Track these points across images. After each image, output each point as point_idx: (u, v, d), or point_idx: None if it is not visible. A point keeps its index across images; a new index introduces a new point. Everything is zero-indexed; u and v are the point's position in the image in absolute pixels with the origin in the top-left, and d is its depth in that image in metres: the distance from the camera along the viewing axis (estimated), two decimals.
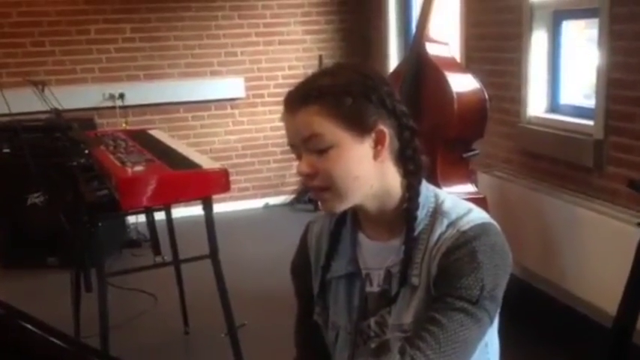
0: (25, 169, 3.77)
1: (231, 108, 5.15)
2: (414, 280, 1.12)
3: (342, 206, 1.14)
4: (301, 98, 1.10)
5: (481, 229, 1.10)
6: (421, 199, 1.15)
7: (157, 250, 3.11)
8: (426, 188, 1.17)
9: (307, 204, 5.16)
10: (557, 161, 3.21)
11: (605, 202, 2.86)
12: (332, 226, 1.25)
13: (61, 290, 3.16)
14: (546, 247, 3.09)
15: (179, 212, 3.37)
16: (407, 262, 1.13)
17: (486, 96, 2.91)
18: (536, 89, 3.38)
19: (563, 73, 3.37)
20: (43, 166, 3.47)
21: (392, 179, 1.15)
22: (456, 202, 1.16)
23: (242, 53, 5.09)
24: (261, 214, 5.22)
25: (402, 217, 1.15)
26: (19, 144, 3.64)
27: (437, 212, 1.14)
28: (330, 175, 1.10)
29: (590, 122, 2.98)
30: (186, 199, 2.75)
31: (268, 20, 5.10)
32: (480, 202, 2.73)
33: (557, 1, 3.27)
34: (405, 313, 1.13)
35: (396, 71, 3.23)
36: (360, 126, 1.10)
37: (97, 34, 4.76)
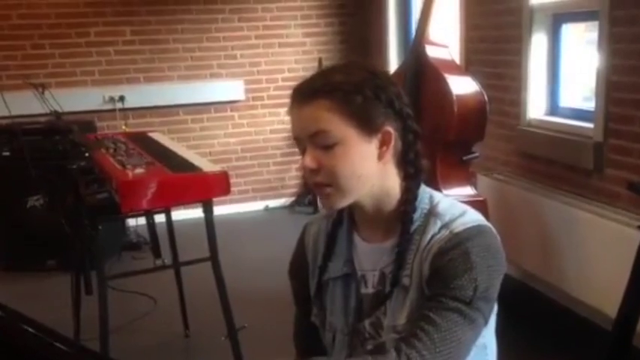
0: (25, 171, 3.77)
1: (231, 110, 5.16)
2: (405, 281, 1.13)
3: (343, 203, 1.14)
4: (311, 92, 1.10)
5: (474, 230, 1.10)
6: (417, 202, 1.15)
7: (157, 253, 3.11)
8: (422, 190, 1.17)
9: (307, 206, 5.16)
10: (557, 164, 3.22)
11: (605, 205, 2.86)
12: (329, 227, 1.25)
13: (60, 293, 3.16)
14: (546, 249, 3.09)
15: (179, 215, 3.37)
16: (400, 263, 1.13)
17: (486, 98, 2.91)
18: (536, 92, 3.38)
19: (563, 76, 3.37)
20: (43, 168, 3.48)
21: (392, 181, 1.16)
22: (450, 204, 1.16)
23: (242, 56, 5.10)
24: (261, 217, 5.22)
25: (397, 218, 1.16)
26: (19, 147, 3.64)
27: (431, 214, 1.14)
28: (334, 171, 1.10)
29: (590, 125, 2.98)
30: (186, 201, 2.76)
31: (268, 23, 5.11)
32: (479, 204, 2.74)
33: (557, 4, 3.28)
34: (398, 314, 1.14)
35: (395, 73, 3.23)
36: (368, 125, 1.10)
37: (96, 37, 4.76)
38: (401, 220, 1.15)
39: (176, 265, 3.08)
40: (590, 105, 3.08)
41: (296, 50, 5.20)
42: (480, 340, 1.13)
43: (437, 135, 2.81)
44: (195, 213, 2.72)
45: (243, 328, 2.78)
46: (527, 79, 3.37)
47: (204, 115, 5.10)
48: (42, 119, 3.73)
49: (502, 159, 3.63)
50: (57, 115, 3.00)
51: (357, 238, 1.22)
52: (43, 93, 2.89)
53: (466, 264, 1.06)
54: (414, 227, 1.14)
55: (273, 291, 3.37)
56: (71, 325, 2.87)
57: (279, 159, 5.30)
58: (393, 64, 4.86)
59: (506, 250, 1.16)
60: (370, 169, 1.12)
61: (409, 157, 1.15)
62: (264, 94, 5.18)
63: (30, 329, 0.69)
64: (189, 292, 3.21)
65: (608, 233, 2.70)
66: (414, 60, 2.99)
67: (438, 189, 1.21)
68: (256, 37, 5.10)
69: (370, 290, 1.19)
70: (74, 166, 2.70)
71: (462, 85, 2.90)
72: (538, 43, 3.34)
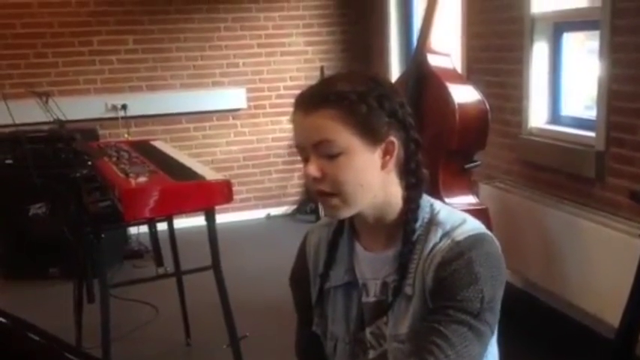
0: (28, 179, 3.77)
1: (233, 119, 5.17)
2: (408, 290, 1.13)
3: (346, 213, 1.14)
4: (317, 100, 1.10)
5: (476, 239, 1.10)
6: (419, 211, 1.16)
7: (159, 262, 3.11)
8: (423, 199, 1.18)
9: (309, 214, 5.16)
10: (559, 172, 3.22)
11: (607, 214, 2.86)
12: (330, 236, 1.25)
13: (62, 301, 3.16)
14: (548, 258, 3.09)
15: (181, 223, 3.37)
16: (402, 273, 1.13)
17: (488, 107, 2.92)
18: (538, 101, 3.39)
19: (564, 85, 3.38)
20: (45, 176, 3.48)
21: (394, 190, 1.16)
22: (451, 212, 1.17)
23: (244, 64, 5.11)
24: (262, 225, 5.22)
25: (398, 227, 1.16)
26: (22, 154, 3.65)
27: (432, 222, 1.14)
28: (337, 181, 1.10)
29: (592, 134, 2.99)
30: (189, 210, 2.76)
31: (270, 31, 5.13)
32: (481, 213, 2.74)
33: (558, 13, 3.29)
34: (401, 324, 1.14)
35: (397, 82, 3.24)
36: (372, 135, 1.10)
37: (99, 46, 4.78)
38: (403, 229, 1.15)
39: (178, 273, 3.08)
40: (591, 114, 3.08)
41: (298, 59, 5.21)
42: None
43: (439, 143, 2.81)
44: (197, 221, 2.72)
45: (244, 337, 2.78)
46: (529, 88, 3.38)
47: (207, 124, 5.11)
48: (45, 127, 3.73)
49: (504, 167, 3.63)
50: (60, 123, 3.01)
51: (358, 247, 1.22)
52: (47, 101, 2.90)
53: (471, 275, 1.06)
54: (415, 236, 1.14)
55: (275, 300, 3.37)
56: (73, 334, 2.87)
57: (281, 167, 5.31)
58: (395, 72, 4.88)
59: (508, 259, 1.17)
60: (373, 179, 1.12)
61: (410, 166, 1.16)
62: (267, 103, 5.20)
63: (35, 337, 0.70)
64: (191, 301, 3.21)
65: (610, 242, 2.70)
66: (416, 68, 3.00)
67: (440, 197, 1.22)
68: (258, 46, 5.12)
69: (372, 299, 1.19)
70: (77, 175, 2.70)
71: (464, 94, 2.91)
72: (539, 52, 3.35)
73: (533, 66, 3.35)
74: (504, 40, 3.58)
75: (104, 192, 2.56)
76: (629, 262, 2.27)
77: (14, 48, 4.60)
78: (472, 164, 2.97)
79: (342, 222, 1.24)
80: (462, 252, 1.08)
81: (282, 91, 5.18)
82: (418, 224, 1.14)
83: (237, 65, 5.10)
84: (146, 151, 3.09)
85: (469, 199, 2.97)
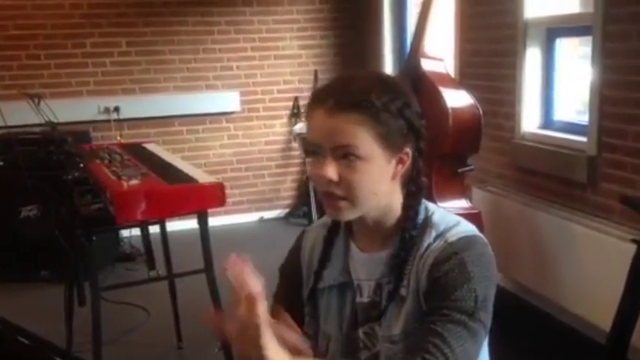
0: (20, 182, 3.75)
1: (227, 122, 5.16)
2: (402, 291, 1.13)
3: (351, 215, 1.14)
4: (344, 103, 1.08)
5: (468, 240, 1.12)
6: (417, 219, 1.17)
7: (151, 265, 3.10)
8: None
9: (302, 218, 5.16)
10: (551, 177, 3.23)
11: (599, 218, 2.87)
12: (326, 235, 1.25)
13: (53, 304, 3.14)
14: (540, 262, 3.10)
15: (173, 225, 3.36)
16: (398, 276, 1.14)
17: (481, 112, 2.93)
18: (530, 105, 3.40)
19: (557, 90, 3.40)
20: (37, 179, 3.47)
21: (396, 198, 1.17)
22: (444, 214, 1.18)
23: (238, 67, 5.11)
24: (255, 228, 5.21)
25: (395, 231, 1.17)
26: (14, 157, 3.63)
27: (426, 224, 1.16)
28: (352, 186, 1.10)
29: (584, 139, 3.00)
30: (181, 213, 2.75)
31: (264, 35, 5.13)
32: (474, 217, 2.75)
33: (551, 19, 3.31)
34: (394, 325, 1.14)
35: None
36: (392, 146, 1.11)
37: (92, 48, 4.77)
38: (400, 234, 1.16)
39: (170, 276, 3.07)
40: (583, 119, 3.10)
41: (292, 62, 5.21)
42: None
43: (432, 148, 2.78)
44: (190, 224, 2.71)
45: None
46: (522, 93, 3.39)
47: (200, 127, 5.10)
48: (37, 129, 3.72)
49: (496, 172, 3.64)
50: (52, 125, 2.99)
51: (353, 247, 1.22)
52: (39, 103, 2.89)
53: (464, 274, 1.07)
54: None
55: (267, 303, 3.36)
56: (64, 337, 2.85)
57: (274, 170, 5.30)
58: None
59: (500, 263, 1.17)
60: (384, 187, 1.14)
61: (412, 174, 1.17)
62: (260, 106, 5.19)
63: (25, 340, 0.69)
64: (183, 304, 3.19)
65: (601, 247, 2.71)
66: (410, 73, 3.00)
67: (433, 201, 1.23)
68: (252, 49, 5.12)
69: (365, 299, 1.20)
70: (69, 177, 2.69)
71: (457, 99, 2.92)
72: (532, 57, 3.36)
73: (526, 71, 3.37)
74: (497, 45, 3.59)
75: (96, 195, 2.55)
76: (620, 267, 2.28)
77: (6, 49, 4.58)
78: (465, 168, 2.98)
79: (337, 222, 1.24)
80: (455, 252, 1.09)
81: (275, 95, 5.17)
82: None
83: (230, 68, 5.09)
84: (139, 153, 3.08)
85: (462, 203, 2.97)
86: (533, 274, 3.15)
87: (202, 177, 2.60)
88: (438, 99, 2.85)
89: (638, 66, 2.66)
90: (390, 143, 1.10)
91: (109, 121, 4.77)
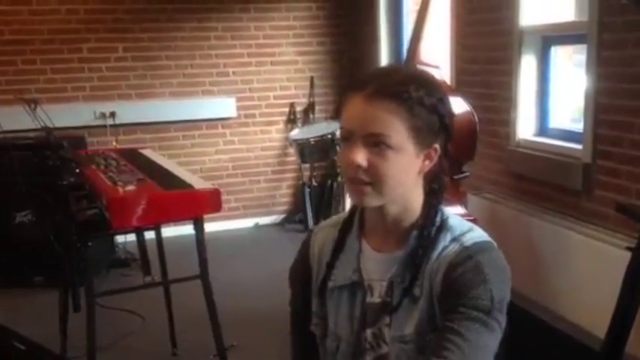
0: (14, 187, 3.74)
1: (223, 127, 5.16)
2: (416, 291, 1.14)
3: (375, 202, 1.14)
4: (383, 92, 1.09)
5: (483, 245, 1.13)
6: (437, 217, 1.18)
7: (146, 270, 3.09)
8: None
9: (297, 224, 5.15)
10: (546, 184, 3.24)
11: (594, 226, 2.88)
12: (336, 235, 1.25)
13: (47, 310, 3.13)
14: (535, 269, 3.10)
15: (169, 231, 3.35)
16: (414, 274, 1.14)
17: (476, 119, 2.94)
18: (526, 113, 3.41)
19: (552, 98, 3.41)
20: (32, 184, 3.46)
21: (417, 194, 1.18)
22: (459, 219, 1.20)
23: (234, 73, 5.11)
24: (251, 234, 5.20)
25: (410, 230, 1.17)
26: (9, 162, 3.62)
27: (442, 227, 1.17)
28: (380, 174, 1.10)
29: (579, 146, 3.01)
30: (177, 219, 2.75)
31: (261, 41, 5.14)
32: None
33: (547, 27, 3.32)
34: (406, 324, 1.14)
35: None
36: (423, 140, 1.12)
37: (89, 53, 4.77)
38: (418, 232, 1.16)
39: (165, 282, 3.06)
40: (578, 126, 3.11)
41: (288, 69, 5.22)
42: None
43: None
44: (185, 230, 2.71)
45: (232, 347, 2.76)
46: (517, 100, 3.40)
47: (196, 132, 5.10)
48: (32, 135, 3.71)
49: (492, 179, 3.65)
50: (47, 130, 2.99)
51: (366, 247, 1.22)
52: (35, 109, 2.89)
53: (480, 276, 1.08)
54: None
55: (263, 309, 3.36)
56: (58, 342, 2.84)
57: (270, 176, 5.30)
58: None
59: None
60: (411, 180, 1.15)
61: (436, 173, 1.18)
62: (256, 112, 5.20)
63: (21, 346, 0.69)
64: (178, 310, 3.18)
65: (596, 254, 2.72)
66: None
67: None
68: (249, 55, 5.13)
69: (376, 299, 1.19)
70: (64, 182, 2.68)
71: (453, 106, 2.92)
72: (528, 65, 3.38)
73: (522, 78, 3.38)
74: (493, 53, 3.61)
75: (91, 200, 2.54)
76: (615, 274, 2.28)
77: (2, 54, 4.57)
78: (461, 175, 2.98)
79: (349, 221, 1.24)
80: (470, 256, 1.10)
81: (271, 101, 5.18)
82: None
83: (227, 74, 5.10)
84: (134, 159, 3.08)
85: (458, 210, 2.97)
86: (529, 280, 3.15)
87: (198, 183, 2.60)
88: None
89: (633, 74, 2.68)
90: (422, 137, 1.11)
91: (104, 126, 4.77)
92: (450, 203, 2.94)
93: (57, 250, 2.75)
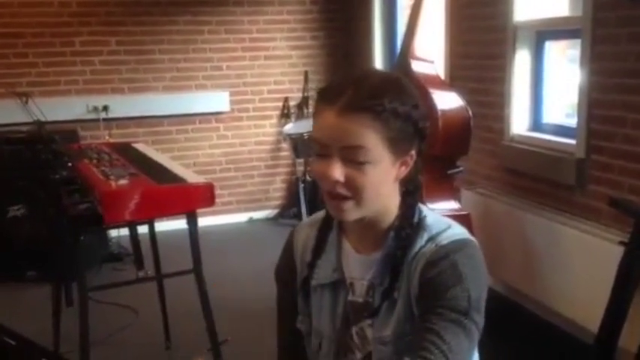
0: (6, 181, 3.73)
1: (216, 122, 5.15)
2: (395, 294, 1.14)
3: (355, 216, 1.13)
4: (355, 104, 1.06)
5: (459, 243, 1.12)
6: (413, 218, 1.16)
7: (139, 265, 3.08)
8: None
9: (291, 218, 5.15)
10: (540, 179, 3.24)
11: (587, 220, 2.89)
12: (318, 233, 1.25)
13: (40, 304, 3.12)
14: (528, 263, 3.11)
15: (162, 226, 3.34)
16: (394, 277, 1.14)
17: (470, 114, 2.94)
18: (519, 108, 3.42)
19: (546, 93, 3.42)
20: (24, 178, 3.44)
21: (393, 198, 1.17)
22: (436, 218, 1.18)
23: (228, 67, 5.10)
24: (244, 229, 5.20)
25: (388, 231, 1.16)
26: (1, 156, 3.61)
27: (419, 226, 1.16)
28: (359, 187, 1.09)
29: (572, 141, 3.02)
30: (170, 213, 2.74)
31: (254, 35, 5.12)
32: (463, 218, 2.76)
33: (541, 22, 3.32)
34: (385, 326, 1.14)
35: None
36: (400, 150, 1.11)
37: (81, 47, 4.74)
38: (395, 233, 1.15)
39: (159, 276, 3.05)
40: (572, 122, 3.12)
41: (282, 63, 5.21)
42: None
43: None
44: (179, 224, 2.70)
45: (225, 342, 2.76)
46: (511, 95, 3.40)
47: (189, 126, 5.09)
48: (24, 128, 3.69)
49: (486, 174, 3.66)
50: (39, 124, 2.98)
51: (346, 245, 1.22)
52: (26, 102, 2.87)
53: (456, 275, 1.07)
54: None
55: (256, 303, 3.36)
56: (51, 337, 2.83)
57: (264, 171, 5.30)
58: None
59: (489, 265, 1.18)
60: (388, 188, 1.14)
61: (411, 174, 1.17)
62: (250, 106, 5.19)
63: (12, 342, 0.69)
64: (172, 305, 3.18)
65: (590, 249, 2.73)
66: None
67: (422, 203, 1.22)
68: (242, 50, 5.11)
69: (358, 298, 1.19)
70: (56, 176, 2.67)
71: (447, 101, 2.92)
72: (522, 60, 3.38)
73: (516, 74, 3.38)
74: (487, 48, 3.61)
75: (84, 194, 2.53)
76: (608, 269, 2.30)
77: None
78: (455, 170, 2.99)
79: (327, 220, 1.24)
80: (447, 254, 1.09)
81: (265, 95, 5.17)
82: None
83: (220, 68, 5.08)
84: (127, 153, 3.06)
85: (451, 205, 2.98)
86: (522, 275, 3.17)
87: (191, 177, 2.59)
88: (428, 101, 2.85)
89: (627, 69, 2.68)
90: (398, 147, 1.10)
91: (97, 120, 4.75)
92: (444, 198, 2.94)
93: (49, 244, 2.74)
